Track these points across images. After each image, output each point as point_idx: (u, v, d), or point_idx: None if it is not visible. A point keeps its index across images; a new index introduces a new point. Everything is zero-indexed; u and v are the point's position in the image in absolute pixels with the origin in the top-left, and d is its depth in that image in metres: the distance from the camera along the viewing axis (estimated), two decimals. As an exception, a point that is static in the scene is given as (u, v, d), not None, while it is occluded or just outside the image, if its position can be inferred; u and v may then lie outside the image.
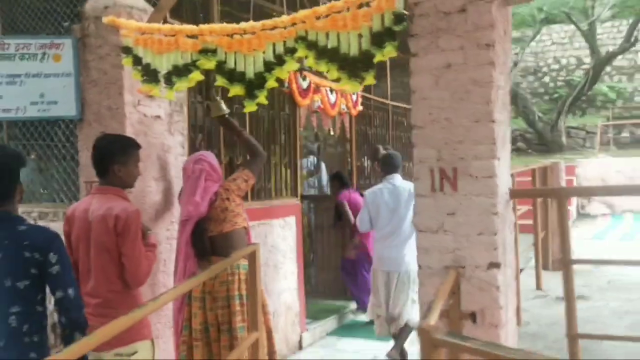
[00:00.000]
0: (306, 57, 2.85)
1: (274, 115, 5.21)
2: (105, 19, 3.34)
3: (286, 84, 5.14)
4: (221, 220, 3.42)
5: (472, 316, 2.48)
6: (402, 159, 5.08)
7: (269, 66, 2.95)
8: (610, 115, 18.20)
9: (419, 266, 2.63)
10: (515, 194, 2.96)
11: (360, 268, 6.34)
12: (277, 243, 5.06)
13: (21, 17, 4.01)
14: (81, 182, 3.62)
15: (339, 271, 6.80)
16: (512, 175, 3.34)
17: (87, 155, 3.60)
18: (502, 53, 2.58)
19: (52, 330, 2.57)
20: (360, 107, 6.77)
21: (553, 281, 6.35)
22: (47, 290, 2.28)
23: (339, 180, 6.61)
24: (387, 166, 4.85)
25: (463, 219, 2.50)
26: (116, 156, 2.84)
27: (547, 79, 21.48)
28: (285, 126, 5.43)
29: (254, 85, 3.00)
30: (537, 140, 18.15)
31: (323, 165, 9.05)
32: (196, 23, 3.29)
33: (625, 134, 17.53)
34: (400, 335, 4.71)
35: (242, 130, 3.74)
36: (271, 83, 2.98)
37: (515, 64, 18.99)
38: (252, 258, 2.82)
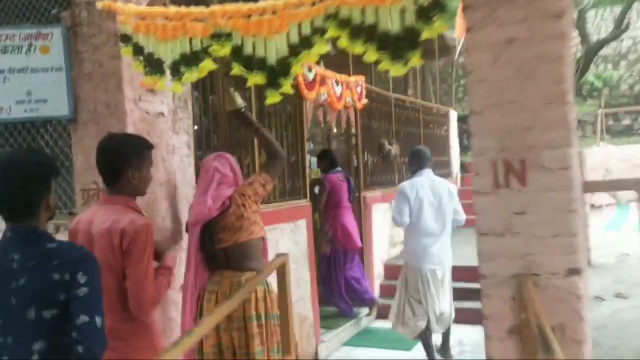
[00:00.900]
0: (338, 37, 2.47)
1: (279, 110, 4.84)
2: (99, 4, 2.96)
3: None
4: (236, 228, 3.02)
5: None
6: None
7: (294, 50, 2.57)
8: (602, 103, 18.08)
9: (482, 275, 2.27)
10: (590, 186, 2.62)
11: (334, 267, 5.84)
12: (289, 249, 4.67)
13: (2, 4, 3.57)
14: (77, 190, 3.21)
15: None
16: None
17: (82, 160, 3.20)
18: (571, 24, 2.24)
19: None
20: (365, 100, 6.41)
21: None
22: None
23: (328, 159, 6.20)
24: (420, 159, 4.79)
25: (535, 219, 2.15)
26: (129, 160, 2.44)
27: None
28: (291, 122, 5.06)
29: (276, 72, 2.62)
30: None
31: None
32: (204, 4, 2.90)
33: (626, 122, 17.48)
34: (447, 332, 4.82)
35: (259, 127, 3.31)
36: (297, 69, 2.61)
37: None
38: (282, 271, 2.47)
